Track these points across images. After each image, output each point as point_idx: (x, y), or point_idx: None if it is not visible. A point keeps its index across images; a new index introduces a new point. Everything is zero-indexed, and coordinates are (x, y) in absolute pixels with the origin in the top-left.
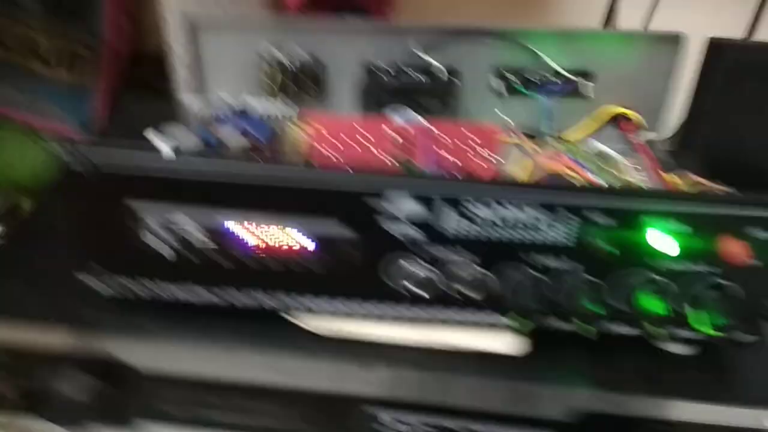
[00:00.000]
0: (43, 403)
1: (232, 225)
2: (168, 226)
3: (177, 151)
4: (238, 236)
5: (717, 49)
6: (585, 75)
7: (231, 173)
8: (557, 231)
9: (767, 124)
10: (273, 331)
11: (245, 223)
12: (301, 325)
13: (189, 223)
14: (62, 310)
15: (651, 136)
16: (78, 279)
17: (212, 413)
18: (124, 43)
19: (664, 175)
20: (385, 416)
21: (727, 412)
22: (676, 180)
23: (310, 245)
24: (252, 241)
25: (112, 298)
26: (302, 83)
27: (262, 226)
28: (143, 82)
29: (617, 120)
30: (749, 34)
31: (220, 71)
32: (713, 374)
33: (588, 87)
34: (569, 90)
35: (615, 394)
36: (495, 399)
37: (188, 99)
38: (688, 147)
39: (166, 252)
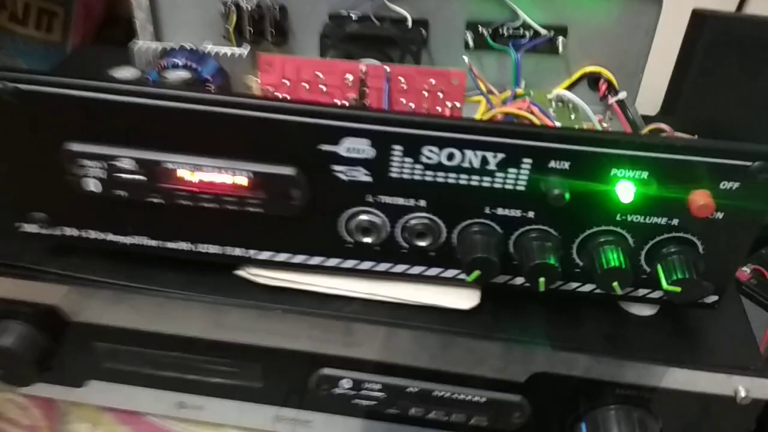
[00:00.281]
0: None
1: (166, 157)
2: (98, 158)
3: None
4: (173, 170)
5: (700, 20)
6: (558, 30)
7: (165, 101)
8: (509, 175)
9: (749, 99)
10: (217, 281)
11: (180, 156)
12: (247, 275)
13: (120, 155)
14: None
15: (624, 96)
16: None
17: (160, 371)
18: (97, 3)
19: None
20: (334, 373)
21: (696, 377)
22: None
23: (248, 182)
24: (188, 176)
25: (50, 243)
26: (262, 28)
27: (198, 159)
28: (114, 43)
29: (590, 79)
30: (739, 6)
31: (177, 17)
32: (680, 337)
33: (561, 43)
34: (540, 45)
35: (574, 354)
36: (446, 358)
37: (140, 44)
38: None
39: (97, 189)
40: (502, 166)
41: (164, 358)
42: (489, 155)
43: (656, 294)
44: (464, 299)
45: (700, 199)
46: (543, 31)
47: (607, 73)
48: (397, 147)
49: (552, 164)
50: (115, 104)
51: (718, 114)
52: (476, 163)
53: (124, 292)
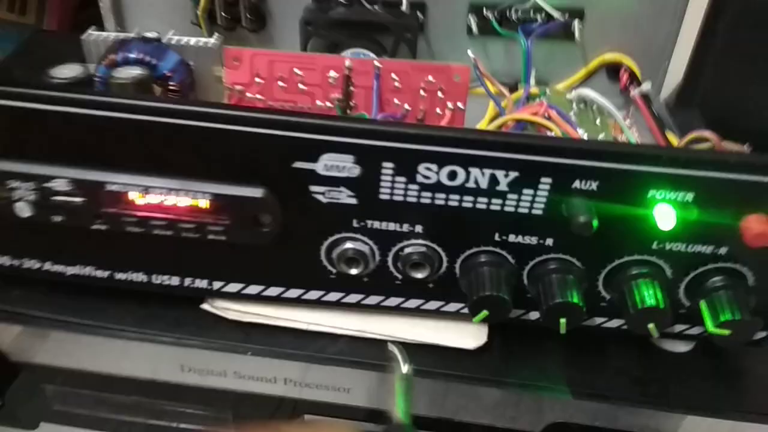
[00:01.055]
0: None
1: (109, 178)
2: (28, 179)
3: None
4: (119, 192)
5: None
6: (574, 13)
7: (105, 110)
8: (523, 197)
9: None
10: (180, 316)
11: (127, 175)
12: (214, 310)
13: (54, 175)
14: None
15: (648, 88)
16: None
17: (120, 415)
18: None
19: (667, 135)
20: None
21: (741, 429)
22: (675, 143)
23: (211, 204)
24: (136, 199)
25: None
26: (237, 12)
27: (148, 180)
28: (91, 25)
29: (610, 68)
30: None
31: (143, 3)
32: (721, 379)
33: (577, 27)
34: (554, 30)
35: (598, 402)
36: (448, 405)
37: (93, 34)
38: (687, 103)
39: (28, 213)
40: (516, 186)
41: (123, 402)
42: (499, 174)
43: (695, 330)
44: (469, 337)
45: (756, 225)
46: (556, 14)
47: (629, 61)
48: (388, 164)
49: (576, 184)
50: (46, 114)
51: (744, 99)
52: (484, 184)
53: (71, 330)
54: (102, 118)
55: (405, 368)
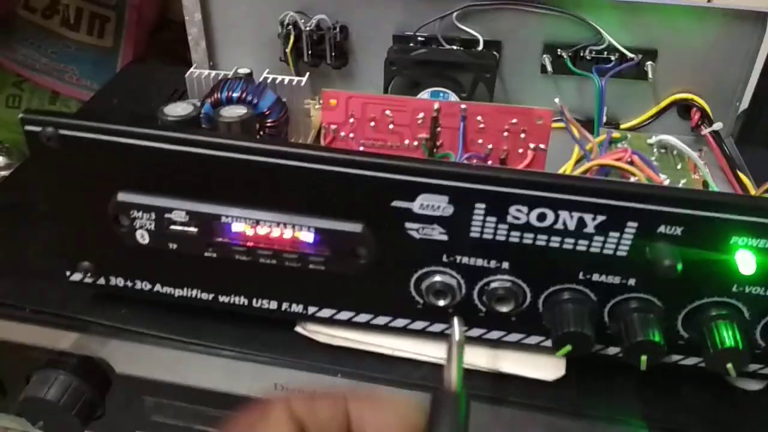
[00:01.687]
0: (25, 407)
1: (222, 211)
2: (147, 210)
3: (166, 125)
4: (229, 225)
5: None
6: (647, 53)
7: (221, 151)
8: (609, 240)
9: None
10: (274, 338)
11: (238, 208)
12: (306, 333)
13: (171, 207)
14: (40, 302)
15: (720, 127)
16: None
17: (207, 427)
18: (150, 7)
19: (738, 174)
20: None
21: None
22: (747, 182)
23: (312, 239)
24: (245, 230)
25: (97, 292)
26: (322, 50)
27: (257, 214)
28: (167, 49)
29: (680, 107)
30: None
31: (231, 36)
32: None
33: (649, 67)
34: (627, 69)
35: None
36: None
37: (195, 72)
38: (753, 141)
39: (145, 241)
40: (602, 229)
41: (217, 416)
42: (587, 217)
43: None
44: (548, 369)
45: None
46: (630, 55)
47: (700, 100)
48: (480, 205)
49: (662, 229)
50: (166, 153)
51: None
52: (571, 226)
53: (172, 346)
54: (218, 158)
55: (458, 335)
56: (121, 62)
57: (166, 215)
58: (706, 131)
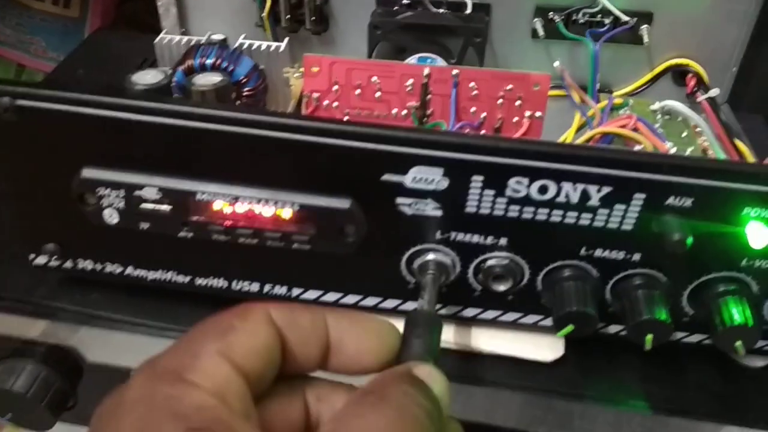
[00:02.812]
0: None
1: (197, 187)
2: (117, 187)
3: (135, 94)
4: (206, 202)
5: None
6: (642, 16)
7: (195, 121)
8: (614, 213)
9: None
10: None
11: (215, 184)
12: None
13: (142, 183)
14: (3, 288)
15: (717, 93)
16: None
17: None
18: None
19: (735, 142)
20: None
21: None
22: (745, 150)
23: (297, 215)
24: (223, 208)
25: (63, 276)
26: (301, 14)
27: (235, 190)
28: (136, 18)
29: (675, 72)
30: None
31: (205, 3)
32: None
33: (645, 30)
34: (621, 34)
35: (677, 419)
36: (525, 417)
37: (165, 38)
38: (741, 106)
39: (115, 220)
40: (607, 201)
41: None
42: (592, 189)
43: None
44: (546, 349)
45: None
46: (625, 18)
47: (696, 66)
48: (478, 178)
49: (671, 201)
50: (134, 124)
51: None
52: (574, 198)
53: (147, 333)
54: (192, 129)
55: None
56: (86, 32)
57: (137, 192)
58: (701, 98)
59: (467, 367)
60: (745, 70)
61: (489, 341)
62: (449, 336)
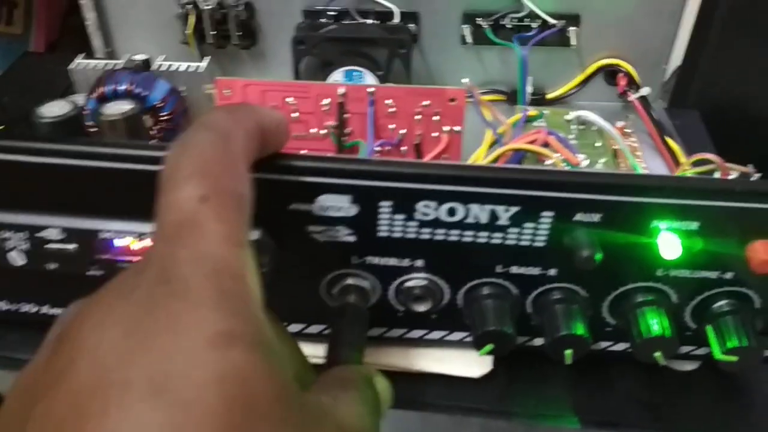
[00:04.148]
0: None
1: (100, 225)
2: (19, 230)
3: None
4: (111, 240)
5: None
6: (569, 19)
7: (90, 161)
8: (524, 231)
9: None
10: None
11: (121, 221)
12: None
13: (45, 225)
14: None
15: (648, 92)
16: None
17: None
18: None
19: (666, 140)
20: None
21: None
22: (677, 149)
23: None
24: (130, 245)
25: None
26: (226, 30)
27: (140, 226)
28: (81, 33)
29: (607, 72)
30: None
31: (129, 19)
32: (730, 399)
33: (572, 33)
34: (549, 37)
35: (608, 430)
36: None
37: (81, 63)
38: (684, 104)
39: (22, 261)
40: (517, 220)
41: None
42: (500, 209)
43: (701, 351)
44: (474, 365)
45: (762, 252)
46: (552, 21)
47: (626, 65)
48: (386, 203)
49: (579, 217)
50: (26, 166)
51: (739, 93)
52: (484, 219)
53: None
54: (83, 167)
55: None
56: (33, 50)
57: (40, 234)
58: (633, 97)
59: (398, 389)
60: (683, 66)
61: (417, 361)
62: (378, 357)
